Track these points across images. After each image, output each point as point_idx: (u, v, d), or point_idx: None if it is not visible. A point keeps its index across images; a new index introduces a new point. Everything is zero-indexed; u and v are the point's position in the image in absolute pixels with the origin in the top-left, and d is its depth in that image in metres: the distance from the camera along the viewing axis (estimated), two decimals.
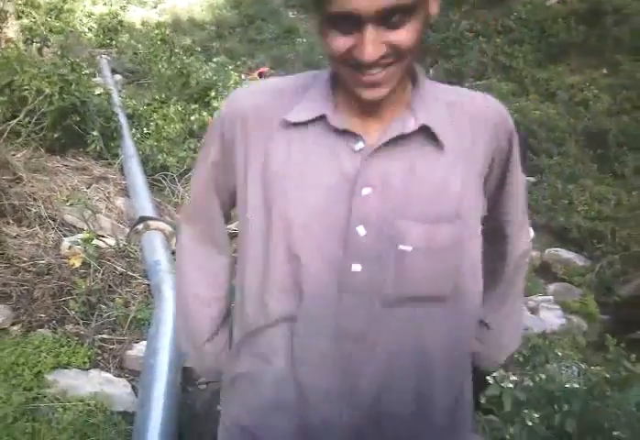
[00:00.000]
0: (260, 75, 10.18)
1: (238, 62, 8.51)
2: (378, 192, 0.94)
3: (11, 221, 2.84)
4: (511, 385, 2.15)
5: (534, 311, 6.60)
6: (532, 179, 9.41)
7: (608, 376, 2.15)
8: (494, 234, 1.15)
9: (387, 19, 0.83)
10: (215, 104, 4.29)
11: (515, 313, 1.29)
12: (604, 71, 10.56)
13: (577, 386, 2.15)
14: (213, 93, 4.54)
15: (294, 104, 0.99)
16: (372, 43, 0.84)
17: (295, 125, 0.97)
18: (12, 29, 4.62)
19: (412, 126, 0.96)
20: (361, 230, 0.94)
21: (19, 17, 6.84)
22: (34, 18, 6.45)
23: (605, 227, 7.67)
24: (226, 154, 1.06)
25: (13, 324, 2.22)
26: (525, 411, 2.10)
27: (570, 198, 8.33)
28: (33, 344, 2.09)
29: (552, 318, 6.43)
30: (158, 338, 2.06)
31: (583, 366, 2.51)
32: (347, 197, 0.94)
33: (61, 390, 1.95)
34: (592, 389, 2.11)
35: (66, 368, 2.05)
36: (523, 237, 1.23)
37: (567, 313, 6.61)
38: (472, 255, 1.03)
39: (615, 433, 1.96)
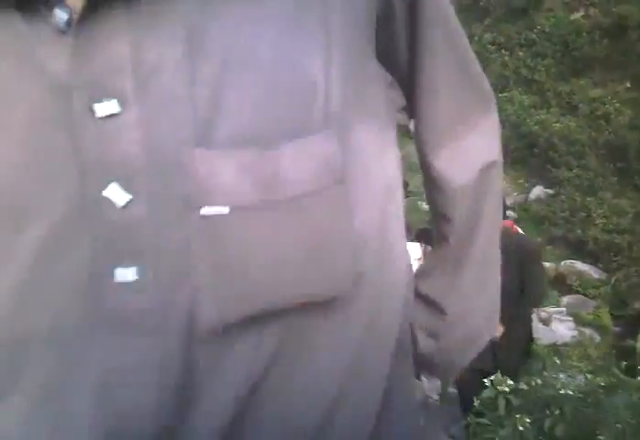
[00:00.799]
0: None
1: None
2: (129, 104, 0.45)
3: None
4: (506, 389, 2.18)
5: (545, 322, 6.58)
6: (550, 191, 9.38)
7: (602, 383, 2.17)
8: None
9: None
10: None
11: (486, 287, 0.75)
12: (627, 84, 10.49)
13: (570, 392, 2.17)
14: None
15: None
16: None
17: None
18: None
19: None
20: (117, 192, 0.45)
21: None
22: None
23: (622, 240, 7.63)
24: None
25: None
26: (518, 415, 2.13)
27: (588, 211, 8.30)
28: None
29: (563, 330, 6.40)
30: None
31: (589, 376, 2.52)
32: (68, 125, 0.45)
33: None
34: (585, 395, 2.14)
35: None
36: (470, 151, 0.68)
37: (579, 326, 6.57)
38: (375, 199, 0.55)
39: (601, 437, 1.98)
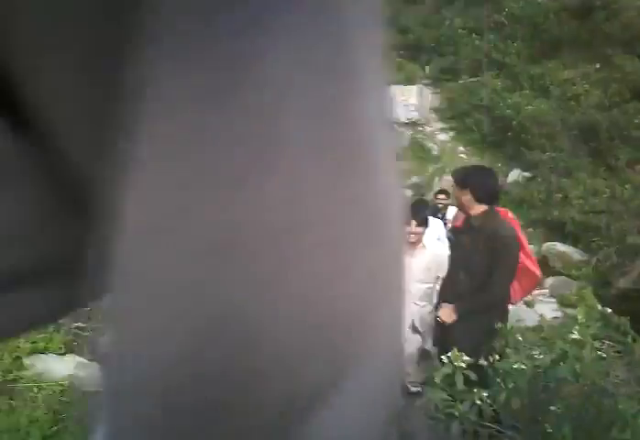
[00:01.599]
0: None
1: None
2: None
3: None
4: (463, 364, 2.27)
5: (529, 304, 6.69)
6: (527, 174, 9.50)
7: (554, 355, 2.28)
8: None
9: None
10: None
11: None
12: (597, 65, 10.62)
13: (524, 367, 2.27)
14: None
15: None
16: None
17: None
18: None
19: None
20: None
21: None
22: None
23: (600, 220, 7.74)
24: None
25: None
26: (475, 389, 2.23)
27: (565, 192, 8.42)
28: None
29: (547, 311, 6.52)
30: None
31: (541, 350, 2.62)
32: None
33: (38, 373, 2.12)
34: (535, 368, 2.24)
35: (43, 353, 2.23)
36: None
37: (563, 306, 6.69)
38: None
39: (552, 407, 2.09)
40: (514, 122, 9.98)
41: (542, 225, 8.55)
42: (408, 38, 13.81)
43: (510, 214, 3.54)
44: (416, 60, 13.40)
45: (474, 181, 3.05)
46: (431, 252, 3.64)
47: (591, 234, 7.80)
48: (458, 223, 3.66)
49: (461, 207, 3.25)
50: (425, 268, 3.56)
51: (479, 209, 3.06)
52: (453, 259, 3.28)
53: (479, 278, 3.01)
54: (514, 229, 3.17)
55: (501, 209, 3.38)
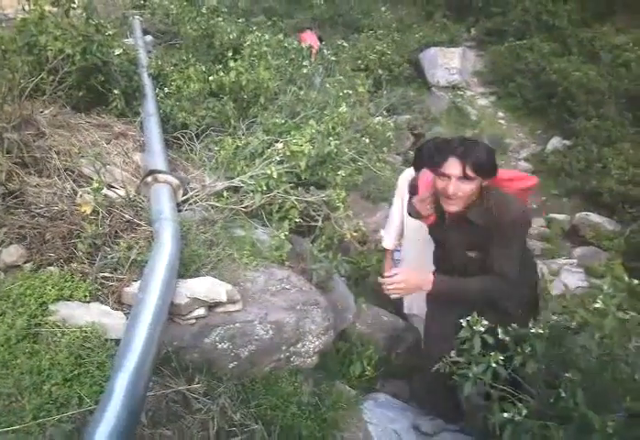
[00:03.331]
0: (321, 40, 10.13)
1: (269, 22, 8.56)
2: None
3: (32, 172, 3.08)
4: (482, 328, 2.27)
5: (555, 273, 6.62)
6: (567, 142, 9.24)
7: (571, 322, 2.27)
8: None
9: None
10: (231, 64, 4.42)
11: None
12: None
13: (541, 331, 2.26)
14: (230, 54, 4.67)
15: None
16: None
17: None
18: None
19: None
20: None
21: None
22: None
23: (638, 192, 7.53)
24: None
25: (26, 262, 2.46)
26: (492, 353, 2.24)
27: (605, 162, 8.17)
28: (41, 279, 2.31)
29: (573, 281, 6.44)
30: (151, 276, 2.27)
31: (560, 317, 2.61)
32: None
33: (62, 319, 2.18)
34: (553, 334, 2.23)
35: (68, 300, 2.30)
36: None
37: (591, 277, 6.60)
38: None
39: (567, 374, 2.09)
40: (560, 88, 9.65)
41: (577, 195, 8.37)
42: None
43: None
44: (462, 21, 13.00)
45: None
46: None
47: (628, 205, 7.60)
48: None
49: None
50: None
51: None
52: None
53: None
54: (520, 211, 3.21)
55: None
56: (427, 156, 2.43)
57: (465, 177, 2.35)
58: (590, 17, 11.37)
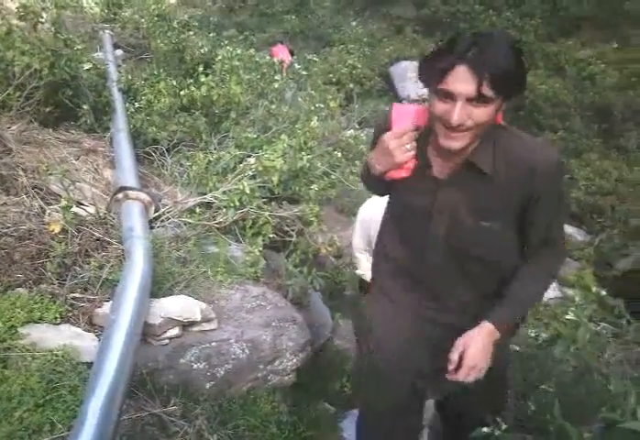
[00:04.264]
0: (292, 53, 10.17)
1: (241, 37, 8.57)
2: None
3: None
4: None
5: None
6: None
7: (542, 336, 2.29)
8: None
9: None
10: (202, 78, 4.40)
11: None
12: (615, 45, 10.42)
13: (516, 347, 2.28)
14: (200, 68, 4.65)
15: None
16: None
17: None
18: (14, 5, 4.75)
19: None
20: None
21: None
22: None
23: (605, 202, 7.70)
24: None
25: None
26: None
27: (572, 173, 8.35)
28: (9, 300, 2.24)
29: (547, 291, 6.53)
30: (123, 296, 2.22)
31: (534, 330, 2.63)
32: None
33: (32, 342, 2.11)
34: (527, 348, 2.25)
35: (38, 322, 2.23)
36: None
37: (564, 287, 6.69)
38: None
39: (542, 386, 2.10)
40: (527, 101, 9.85)
41: None
42: (424, 13, 13.60)
43: None
44: (431, 36, 13.19)
45: None
46: None
47: (596, 215, 7.76)
48: None
49: None
50: None
51: None
52: None
53: None
54: None
55: None
56: (426, 67, 1.50)
57: (479, 97, 1.41)
58: (555, 32, 11.66)
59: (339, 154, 4.80)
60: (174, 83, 4.70)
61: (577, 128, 9.06)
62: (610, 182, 7.97)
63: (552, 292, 6.52)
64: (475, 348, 1.61)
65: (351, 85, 10.59)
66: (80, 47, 4.20)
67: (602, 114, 9.07)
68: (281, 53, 9.16)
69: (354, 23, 13.62)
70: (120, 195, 3.04)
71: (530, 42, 11.57)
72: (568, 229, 7.73)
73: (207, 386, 2.37)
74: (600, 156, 8.57)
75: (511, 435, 2.08)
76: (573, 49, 10.92)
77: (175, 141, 4.29)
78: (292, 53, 10.10)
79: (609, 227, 7.54)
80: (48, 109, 3.93)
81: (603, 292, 2.33)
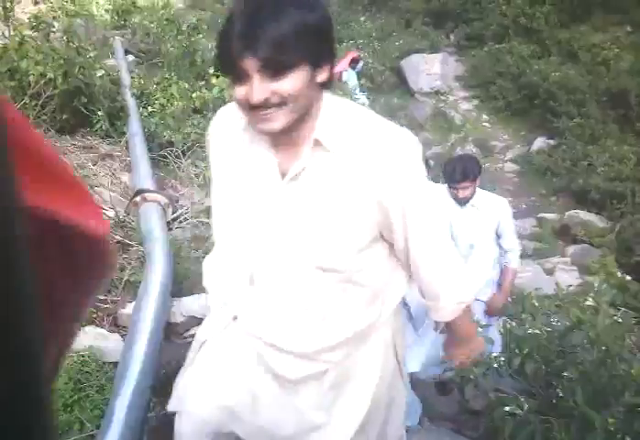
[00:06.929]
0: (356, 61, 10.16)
1: None
2: None
3: None
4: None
5: (549, 272, 6.64)
6: (552, 141, 9.33)
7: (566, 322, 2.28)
8: None
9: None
10: (213, 80, 4.45)
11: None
12: (628, 28, 10.27)
13: (537, 332, 2.27)
14: (211, 71, 4.70)
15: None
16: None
17: None
18: (26, 16, 4.84)
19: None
20: None
21: (36, 2, 7.02)
22: (51, 2, 6.61)
23: (625, 188, 7.60)
24: None
25: None
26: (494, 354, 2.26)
27: (590, 159, 8.26)
28: None
29: (568, 279, 6.46)
30: (145, 297, 2.27)
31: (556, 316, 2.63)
32: None
33: None
34: (549, 334, 2.24)
35: None
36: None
37: (585, 274, 6.63)
38: None
39: (566, 373, 2.10)
40: (541, 89, 9.76)
41: (565, 194, 8.44)
42: (433, 5, 13.50)
43: None
44: (441, 28, 13.11)
45: None
46: None
47: (616, 201, 7.66)
48: None
49: None
50: None
51: None
52: None
53: None
54: None
55: None
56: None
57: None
58: (567, 18, 11.51)
59: None
60: (186, 86, 4.75)
61: (593, 114, 8.95)
62: (629, 167, 7.86)
63: (574, 281, 6.47)
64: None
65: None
66: (92, 54, 4.27)
67: (618, 99, 8.95)
68: None
69: (362, 18, 13.57)
70: (138, 198, 3.10)
71: (542, 29, 11.44)
72: (586, 216, 7.65)
73: None
74: (617, 141, 8.45)
75: (533, 416, 2.09)
76: (586, 34, 10.77)
77: (190, 143, 4.34)
78: None
79: (629, 213, 7.43)
80: (63, 117, 4.01)
81: (628, 277, 2.32)
